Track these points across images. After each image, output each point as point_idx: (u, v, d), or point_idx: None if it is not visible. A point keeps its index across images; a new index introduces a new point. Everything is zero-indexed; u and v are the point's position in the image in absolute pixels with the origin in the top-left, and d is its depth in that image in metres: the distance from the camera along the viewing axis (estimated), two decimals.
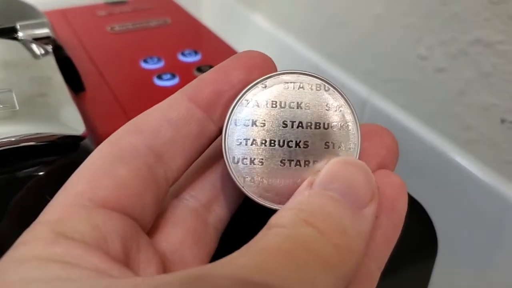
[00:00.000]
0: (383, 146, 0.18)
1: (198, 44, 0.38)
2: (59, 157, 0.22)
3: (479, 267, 0.40)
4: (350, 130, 0.17)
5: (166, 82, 0.32)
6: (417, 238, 0.24)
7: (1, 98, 0.23)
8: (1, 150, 0.21)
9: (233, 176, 0.17)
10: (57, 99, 0.25)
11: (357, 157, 0.17)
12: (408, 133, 0.44)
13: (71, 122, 0.23)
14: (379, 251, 0.16)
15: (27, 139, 0.21)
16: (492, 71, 0.37)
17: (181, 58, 0.36)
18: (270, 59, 0.18)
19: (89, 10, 0.44)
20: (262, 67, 0.17)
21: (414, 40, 0.43)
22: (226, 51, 0.38)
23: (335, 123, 0.17)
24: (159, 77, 0.33)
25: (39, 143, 0.21)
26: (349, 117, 0.17)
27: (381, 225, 0.16)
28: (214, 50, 0.37)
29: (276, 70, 0.18)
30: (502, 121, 0.36)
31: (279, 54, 0.59)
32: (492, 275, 0.39)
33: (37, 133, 0.21)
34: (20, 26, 0.29)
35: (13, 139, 0.21)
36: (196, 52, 0.36)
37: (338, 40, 0.52)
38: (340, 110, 0.17)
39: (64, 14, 0.42)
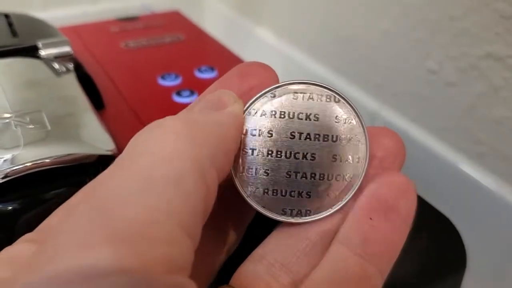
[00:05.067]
0: (380, 148, 0.17)
1: (214, 60, 0.38)
2: (91, 176, 0.22)
3: (493, 278, 0.40)
4: (358, 143, 0.17)
5: (185, 99, 0.33)
6: (446, 252, 0.24)
7: (32, 118, 0.23)
8: (37, 171, 0.21)
9: (237, 186, 0.17)
10: (85, 118, 0.25)
11: (364, 171, 0.17)
12: (419, 146, 0.45)
13: (102, 142, 0.23)
14: (377, 253, 0.16)
15: (62, 160, 0.21)
16: (503, 85, 0.38)
17: (198, 74, 0.36)
18: (271, 68, 0.18)
19: (101, 26, 0.44)
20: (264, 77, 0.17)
21: (423, 55, 0.43)
22: None
23: (343, 136, 0.17)
24: (179, 93, 0.33)
25: (72, 164, 0.22)
26: (358, 130, 0.17)
27: (376, 227, 0.16)
28: (230, 66, 0.38)
29: (278, 80, 0.17)
30: None
31: (285, 68, 0.60)
32: (507, 285, 0.39)
33: (70, 154, 0.22)
34: (42, 44, 0.30)
35: (47, 160, 0.21)
36: (212, 69, 0.36)
37: (347, 54, 0.52)
38: (350, 123, 0.17)
39: (76, 31, 0.42)
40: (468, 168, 0.41)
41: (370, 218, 0.16)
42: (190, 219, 0.13)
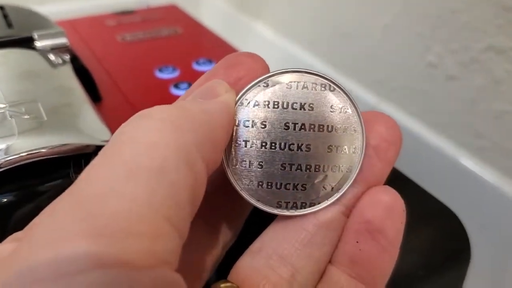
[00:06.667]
0: (374, 136, 0.17)
1: (211, 53, 0.38)
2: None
3: (493, 271, 0.40)
4: (354, 133, 0.16)
5: (183, 92, 0.32)
6: (450, 244, 0.23)
7: (28, 108, 0.22)
8: (33, 162, 0.20)
9: (231, 179, 0.16)
10: (81, 109, 0.24)
11: (361, 161, 0.16)
12: (419, 141, 0.44)
13: (98, 132, 0.23)
14: (366, 273, 0.16)
15: (58, 150, 0.21)
16: (504, 78, 0.37)
17: (196, 67, 0.36)
18: (262, 59, 0.17)
19: (98, 20, 0.43)
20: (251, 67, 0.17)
21: (423, 49, 0.43)
22: None
23: (339, 126, 0.16)
24: (176, 86, 0.33)
25: (69, 154, 0.21)
26: (354, 119, 0.16)
27: (363, 249, 0.16)
28: None
29: (268, 70, 0.17)
30: None
31: (284, 63, 0.59)
32: (509, 279, 0.39)
33: (67, 144, 0.21)
34: (37, 35, 0.29)
35: (43, 150, 0.20)
36: (210, 61, 0.36)
37: (346, 49, 0.52)
38: (345, 112, 0.16)
39: (73, 24, 0.42)
40: (469, 162, 0.41)
41: (357, 242, 0.16)
42: (176, 210, 0.12)
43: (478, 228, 0.39)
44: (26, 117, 0.22)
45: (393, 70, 0.47)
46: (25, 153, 0.20)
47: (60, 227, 0.11)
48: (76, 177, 0.16)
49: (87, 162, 0.22)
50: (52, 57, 0.29)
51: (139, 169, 0.12)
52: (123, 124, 0.14)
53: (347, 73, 0.52)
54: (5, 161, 0.20)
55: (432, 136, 0.44)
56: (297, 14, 0.58)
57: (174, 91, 0.32)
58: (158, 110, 0.14)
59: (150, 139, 0.13)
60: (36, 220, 0.16)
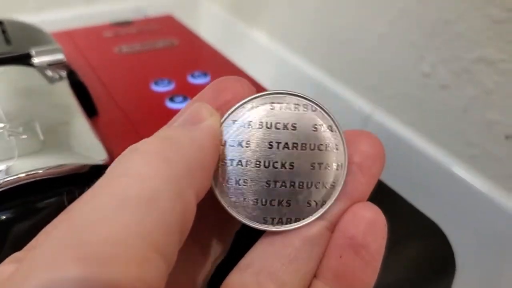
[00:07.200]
0: (358, 154, 0.17)
1: (207, 66, 0.38)
2: (83, 186, 0.23)
3: (484, 281, 0.40)
4: (336, 150, 0.17)
5: (178, 105, 0.33)
6: (435, 258, 0.24)
7: (26, 128, 0.23)
8: (30, 182, 0.21)
9: (218, 197, 0.17)
10: (77, 127, 0.25)
11: (343, 178, 0.17)
12: (411, 149, 0.45)
13: (94, 151, 0.24)
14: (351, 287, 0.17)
15: (54, 171, 0.21)
16: (494, 89, 0.38)
17: (191, 80, 0.36)
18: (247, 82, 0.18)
19: (95, 31, 0.44)
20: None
21: (417, 58, 0.43)
22: (235, 72, 0.38)
23: (321, 144, 0.17)
24: (171, 99, 0.33)
25: (65, 174, 0.22)
26: (335, 137, 0.17)
27: (346, 264, 0.17)
28: (223, 71, 0.38)
29: (254, 93, 0.18)
30: (507, 137, 0.37)
31: (281, 71, 0.60)
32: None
33: (63, 164, 0.22)
34: (35, 52, 0.30)
35: (40, 171, 0.21)
36: (205, 74, 0.37)
37: (342, 57, 0.53)
38: (327, 131, 0.17)
39: (70, 35, 0.43)
40: (461, 171, 0.41)
41: (341, 256, 0.17)
42: (164, 238, 0.13)
43: (468, 236, 0.40)
44: (24, 137, 0.23)
45: (388, 78, 0.47)
46: (23, 174, 0.21)
47: (53, 253, 0.12)
48: (78, 196, 0.16)
49: (83, 181, 0.23)
50: (49, 73, 0.29)
51: (128, 199, 0.13)
52: (116, 159, 0.15)
53: (342, 81, 0.53)
54: (4, 182, 0.21)
55: (423, 144, 0.44)
56: (294, 22, 0.59)
57: (169, 104, 0.33)
58: (148, 144, 0.15)
59: (139, 171, 0.14)
60: (33, 242, 0.17)
